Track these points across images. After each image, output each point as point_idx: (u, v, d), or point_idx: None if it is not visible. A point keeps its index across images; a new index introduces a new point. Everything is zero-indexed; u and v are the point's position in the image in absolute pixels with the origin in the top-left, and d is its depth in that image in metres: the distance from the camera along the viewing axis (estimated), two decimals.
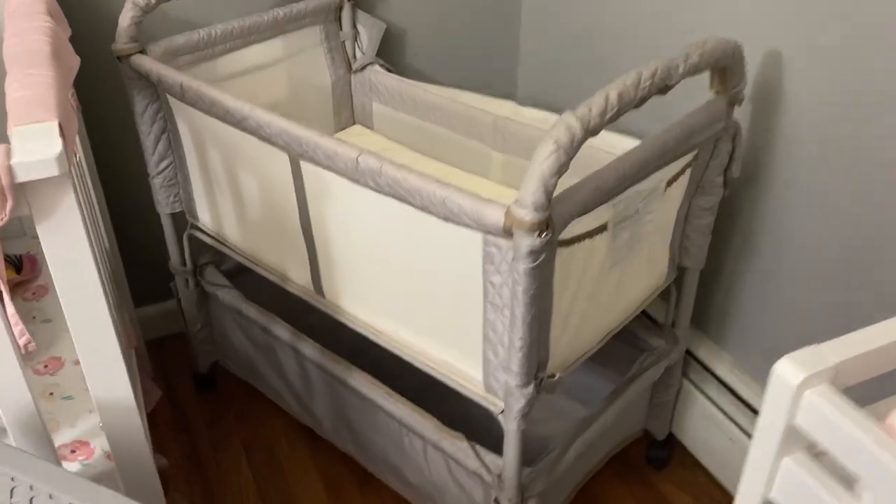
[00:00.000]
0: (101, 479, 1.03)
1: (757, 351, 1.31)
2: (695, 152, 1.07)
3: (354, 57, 1.59)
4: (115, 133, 1.52)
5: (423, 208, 0.94)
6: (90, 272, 0.83)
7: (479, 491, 1.15)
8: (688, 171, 1.09)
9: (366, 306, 1.16)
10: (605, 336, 1.12)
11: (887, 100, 0.99)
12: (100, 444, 1.07)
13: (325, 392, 1.35)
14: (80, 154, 1.26)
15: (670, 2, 1.31)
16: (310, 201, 1.12)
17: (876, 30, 0.99)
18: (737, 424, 1.34)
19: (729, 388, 1.35)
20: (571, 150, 0.81)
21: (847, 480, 0.53)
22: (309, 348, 1.32)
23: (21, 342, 0.83)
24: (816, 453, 0.55)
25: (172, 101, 1.26)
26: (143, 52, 1.26)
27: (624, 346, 1.35)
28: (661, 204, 1.07)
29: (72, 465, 1.05)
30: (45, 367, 1.20)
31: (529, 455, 1.07)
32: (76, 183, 0.87)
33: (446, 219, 0.92)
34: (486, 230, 0.88)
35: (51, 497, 0.69)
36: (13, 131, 0.77)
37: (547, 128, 1.00)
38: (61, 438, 1.08)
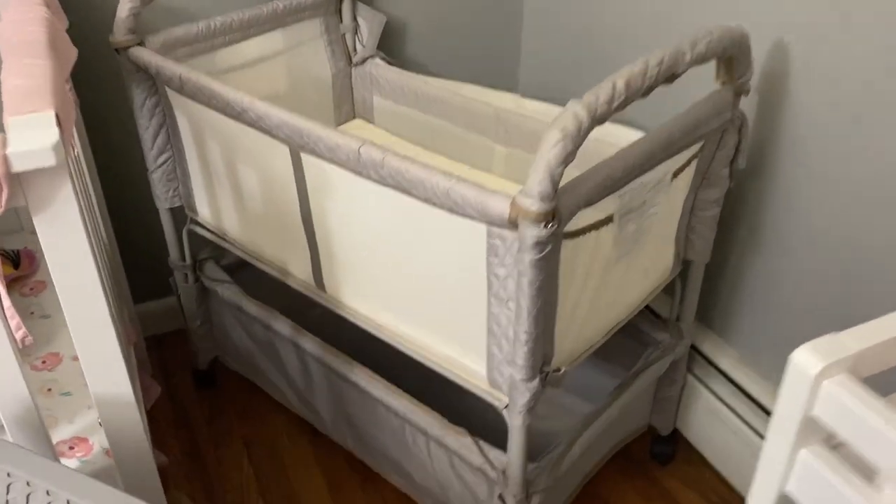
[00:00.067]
0: (99, 475, 1.02)
1: (762, 346, 1.30)
2: (701, 143, 1.06)
3: (355, 50, 1.58)
4: (113, 128, 1.51)
5: (426, 200, 0.93)
6: (88, 265, 0.81)
7: (482, 487, 1.13)
8: (694, 163, 1.08)
9: (367, 300, 1.15)
10: (610, 330, 1.11)
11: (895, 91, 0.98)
12: (98, 441, 1.06)
13: (327, 388, 1.34)
14: (78, 148, 1.24)
15: (671, 1, 1.30)
16: (311, 194, 1.11)
17: (884, 20, 0.97)
18: (742, 419, 1.33)
19: (734, 383, 1.34)
20: (578, 138, 0.80)
21: (866, 472, 0.51)
22: (310, 343, 1.31)
23: (18, 336, 0.81)
24: (834, 445, 0.54)
25: (171, 93, 1.24)
26: (141, 44, 1.24)
27: (628, 342, 1.34)
28: (667, 196, 1.06)
29: (70, 462, 1.04)
30: (44, 362, 1.19)
31: (533, 451, 1.06)
32: (74, 175, 0.85)
33: (450, 210, 0.91)
34: (491, 221, 0.87)
35: (48, 493, 0.68)
36: (9, 121, 0.75)
37: (550, 120, 0.99)
38: (60, 435, 1.07)
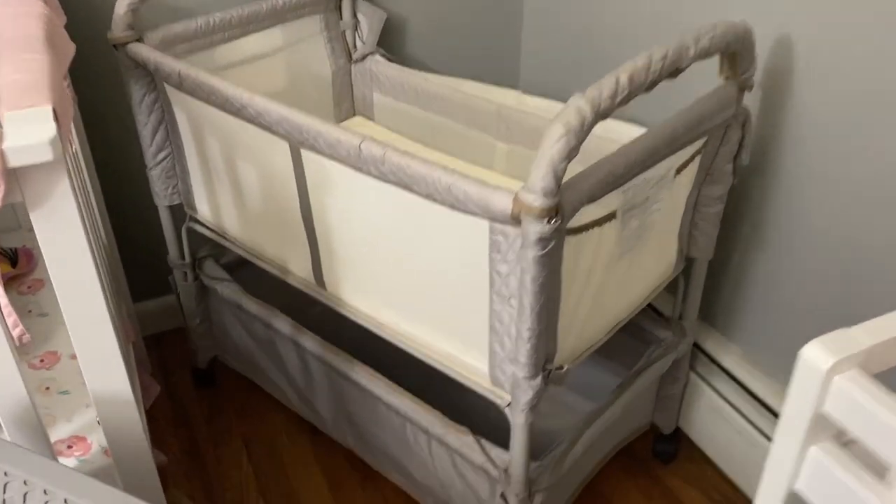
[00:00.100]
0: (98, 474, 1.01)
1: (765, 343, 1.29)
2: (704, 139, 1.05)
3: (355, 47, 1.57)
4: (111, 125, 1.50)
5: (428, 196, 0.92)
6: (85, 260, 0.80)
7: (484, 486, 1.13)
8: (697, 159, 1.07)
9: (368, 298, 1.14)
10: (613, 327, 1.10)
11: None
12: (97, 440, 1.05)
13: (327, 386, 1.33)
14: (76, 145, 1.23)
15: (672, 1, 1.29)
16: (311, 191, 1.10)
17: (889, 14, 0.96)
18: (745, 417, 1.32)
19: (737, 381, 1.33)
20: (582, 133, 0.79)
21: (877, 470, 0.50)
22: (310, 341, 1.30)
23: (15, 333, 0.80)
24: (845, 442, 0.53)
25: (170, 90, 1.23)
26: (139, 40, 1.23)
27: (630, 340, 1.33)
28: (671, 192, 1.05)
29: (69, 461, 1.03)
30: (42, 361, 1.18)
31: (535, 450, 1.05)
32: (71, 171, 0.84)
33: (451, 206, 0.90)
34: (493, 218, 0.86)
35: (45, 492, 0.67)
36: (5, 116, 0.74)
37: (552, 117, 0.98)
38: (58, 434, 1.06)
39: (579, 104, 0.79)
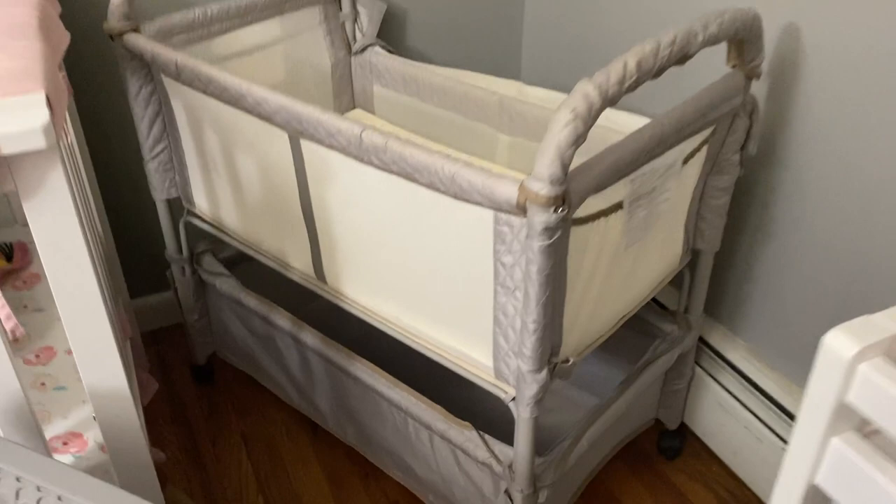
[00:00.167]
0: (94, 471, 1.00)
1: (772, 338, 1.27)
2: (712, 128, 1.03)
3: (354, 38, 1.55)
4: (107, 117, 1.48)
5: (430, 186, 0.90)
6: (80, 251, 0.78)
7: (488, 482, 1.11)
8: (704, 148, 1.05)
9: (369, 291, 1.12)
10: (619, 320, 1.08)
11: None
12: (93, 436, 1.03)
13: (327, 382, 1.31)
14: (71, 136, 1.21)
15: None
16: (310, 182, 1.08)
17: None
18: (751, 412, 1.31)
19: (743, 376, 1.32)
20: (590, 119, 0.77)
21: None
22: (310, 337, 1.28)
23: (8, 327, 0.79)
24: (867, 433, 0.51)
25: (167, 81, 1.21)
26: (136, 30, 1.21)
27: (634, 335, 1.31)
28: (678, 182, 1.03)
29: (64, 458, 1.01)
30: (37, 356, 1.16)
31: (539, 445, 1.03)
32: (65, 160, 0.82)
33: (455, 196, 0.88)
34: (498, 207, 0.84)
35: (39, 489, 0.65)
36: None
37: (555, 108, 0.96)
38: (53, 430, 1.04)
39: (587, 89, 0.77)
